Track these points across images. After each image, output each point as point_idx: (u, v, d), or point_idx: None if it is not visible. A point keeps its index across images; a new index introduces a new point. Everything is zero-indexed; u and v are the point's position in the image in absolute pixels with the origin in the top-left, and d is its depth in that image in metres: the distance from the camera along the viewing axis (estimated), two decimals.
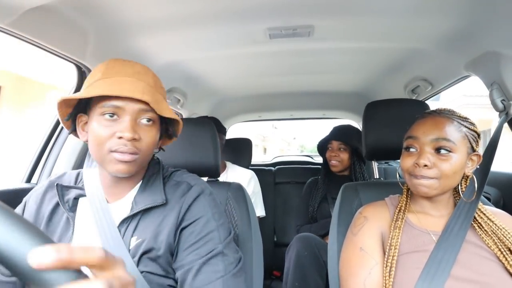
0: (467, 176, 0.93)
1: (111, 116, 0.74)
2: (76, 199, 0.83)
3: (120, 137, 0.72)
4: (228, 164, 2.17)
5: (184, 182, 0.87)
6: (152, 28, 1.23)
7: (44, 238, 0.35)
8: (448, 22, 1.18)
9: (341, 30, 1.30)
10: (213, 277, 0.74)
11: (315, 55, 1.62)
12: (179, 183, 0.86)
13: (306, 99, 2.51)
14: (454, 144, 0.85)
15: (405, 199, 0.97)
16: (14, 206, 0.85)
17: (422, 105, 1.30)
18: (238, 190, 1.21)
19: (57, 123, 1.40)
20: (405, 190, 1.00)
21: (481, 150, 0.94)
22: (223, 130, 2.13)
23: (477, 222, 0.89)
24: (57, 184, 0.82)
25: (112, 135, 0.73)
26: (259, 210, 2.11)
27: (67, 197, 0.82)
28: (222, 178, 2.08)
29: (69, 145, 1.41)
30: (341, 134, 2.00)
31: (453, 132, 0.87)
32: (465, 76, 1.48)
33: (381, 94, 2.16)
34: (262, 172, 2.47)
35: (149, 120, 0.77)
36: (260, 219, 2.10)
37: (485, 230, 0.87)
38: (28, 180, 1.39)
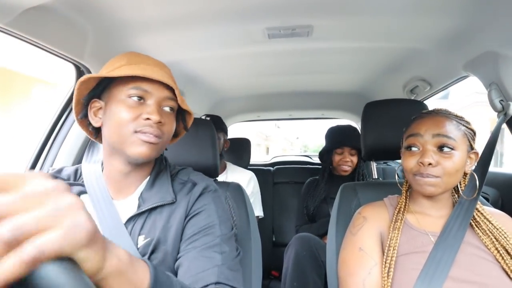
0: (466, 174, 0.93)
1: (139, 99, 0.76)
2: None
3: (147, 119, 0.74)
4: (228, 164, 2.17)
5: (190, 181, 0.87)
6: (150, 28, 1.23)
7: None
8: (446, 22, 1.18)
9: (340, 30, 1.30)
10: (209, 264, 0.72)
11: (314, 55, 1.62)
12: (185, 182, 0.86)
13: (305, 99, 2.51)
14: (456, 141, 0.86)
15: (404, 200, 0.98)
16: None
17: (421, 105, 1.31)
18: (237, 190, 1.21)
19: (58, 118, 1.39)
20: (404, 191, 1.00)
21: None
22: (224, 129, 2.12)
23: (475, 222, 0.90)
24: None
25: (137, 117, 0.75)
26: (258, 211, 2.11)
27: None
28: (222, 178, 2.08)
29: (70, 140, 1.40)
30: (353, 139, 1.95)
31: (454, 130, 0.87)
32: (464, 76, 1.48)
33: (379, 94, 2.16)
34: (260, 172, 2.47)
35: (171, 109, 0.81)
36: (259, 220, 2.11)
37: (483, 229, 0.87)
38: None
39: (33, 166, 1.37)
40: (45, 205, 0.31)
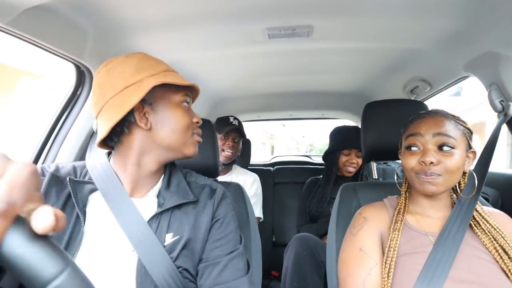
0: (465, 174, 0.94)
1: (187, 104, 0.85)
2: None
3: (197, 122, 0.87)
4: (234, 166, 2.21)
5: (206, 184, 0.92)
6: (151, 28, 1.23)
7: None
8: (447, 23, 1.18)
9: (340, 30, 1.30)
10: (237, 274, 0.81)
11: (314, 55, 1.62)
12: (202, 186, 0.91)
13: (305, 99, 2.51)
14: (456, 140, 0.87)
15: (403, 201, 0.98)
16: None
17: (421, 106, 1.31)
18: (237, 190, 1.22)
19: (61, 114, 1.39)
20: (404, 192, 1.00)
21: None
22: (245, 135, 2.18)
23: (475, 222, 0.90)
24: (70, 179, 0.78)
25: (191, 121, 0.85)
26: (257, 212, 2.13)
27: (80, 194, 0.78)
28: (227, 178, 2.11)
29: (71, 138, 1.40)
30: (360, 140, 1.94)
31: (453, 129, 0.88)
32: (464, 77, 1.48)
33: (380, 94, 2.16)
34: (261, 172, 2.46)
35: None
36: (259, 222, 2.12)
37: (482, 230, 0.88)
38: None
39: (35, 163, 1.36)
40: None
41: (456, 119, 0.92)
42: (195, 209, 0.84)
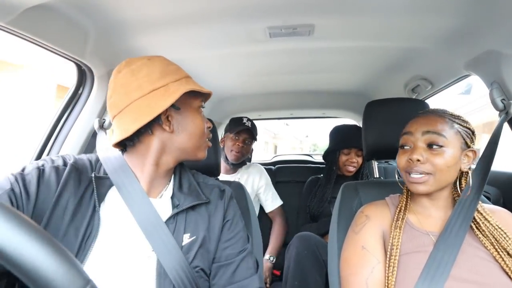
0: (466, 173, 0.93)
1: (202, 109, 0.89)
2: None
3: (209, 127, 0.91)
4: (243, 167, 2.22)
5: (215, 185, 0.95)
6: (151, 27, 1.23)
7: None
8: (448, 21, 1.18)
9: (342, 29, 1.30)
10: (248, 273, 0.85)
11: (315, 54, 1.62)
12: (211, 186, 0.94)
13: (306, 98, 2.50)
14: (446, 138, 0.88)
15: (405, 199, 0.98)
16: None
17: (422, 104, 1.30)
18: (238, 188, 1.22)
19: (62, 113, 1.39)
20: (405, 190, 1.00)
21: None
22: (256, 137, 2.18)
23: (475, 222, 0.89)
24: (94, 176, 0.78)
25: (206, 125, 0.89)
26: (278, 201, 2.23)
27: (100, 190, 0.78)
28: (235, 178, 2.13)
29: (74, 135, 1.40)
30: (360, 139, 1.90)
31: (445, 128, 0.89)
32: (466, 75, 1.48)
33: (381, 93, 2.16)
34: None
35: None
36: (277, 210, 2.20)
37: (483, 230, 0.87)
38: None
39: (38, 157, 1.36)
40: None
41: (453, 118, 0.92)
42: (207, 210, 0.87)
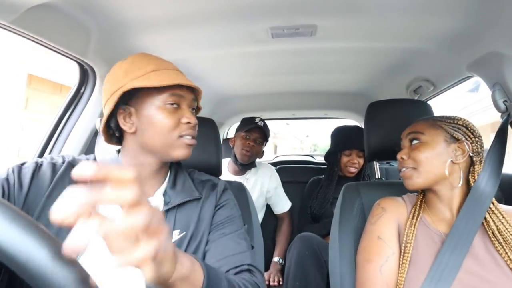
0: (474, 176, 0.93)
1: (176, 105, 0.81)
2: None
3: (188, 122, 0.81)
4: (253, 168, 2.13)
5: (209, 180, 0.94)
6: (154, 27, 1.23)
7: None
8: (450, 22, 1.17)
9: (344, 30, 1.30)
10: (242, 248, 0.82)
11: (317, 55, 1.62)
12: (204, 181, 0.93)
13: (308, 98, 2.50)
14: (424, 134, 0.94)
15: (420, 198, 1.00)
16: None
17: (424, 106, 1.30)
18: (239, 189, 1.22)
19: (64, 112, 1.39)
20: (420, 190, 1.01)
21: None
22: (268, 139, 2.10)
23: (486, 223, 0.89)
24: None
25: (178, 122, 0.80)
26: (288, 202, 2.18)
27: None
28: (243, 179, 2.05)
29: (76, 134, 1.40)
30: (361, 140, 1.87)
31: (424, 126, 0.96)
32: (468, 77, 1.47)
33: (383, 94, 2.15)
34: None
35: (193, 109, 0.87)
36: (288, 212, 2.17)
37: (495, 232, 0.86)
38: None
39: (40, 156, 1.37)
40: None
41: (437, 118, 0.97)
42: (199, 205, 0.86)
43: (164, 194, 0.85)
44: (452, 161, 0.91)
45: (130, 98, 0.80)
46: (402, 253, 0.89)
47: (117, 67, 0.83)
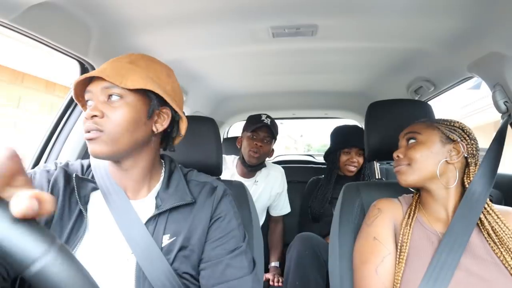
0: (469, 177, 0.93)
1: (89, 102, 0.76)
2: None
3: (86, 118, 0.73)
4: (262, 170, 2.03)
5: (207, 183, 0.89)
6: (155, 26, 1.23)
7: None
8: (451, 23, 1.17)
9: (345, 30, 1.30)
10: (240, 273, 0.79)
11: (318, 55, 1.62)
12: (202, 184, 0.89)
13: (309, 98, 2.50)
14: (420, 134, 0.97)
15: (416, 198, 1.00)
16: None
17: (424, 106, 1.30)
18: (240, 188, 1.22)
19: (63, 113, 1.39)
20: (416, 190, 1.03)
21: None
22: (276, 137, 1.97)
23: (481, 223, 0.89)
24: (76, 175, 0.78)
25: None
26: (288, 207, 2.14)
27: (83, 191, 0.78)
28: (252, 183, 1.98)
29: (74, 137, 1.40)
30: (360, 139, 1.82)
31: (421, 127, 0.98)
32: (469, 77, 1.47)
33: (383, 94, 2.15)
34: None
35: (117, 96, 0.74)
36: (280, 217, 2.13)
37: (487, 229, 0.87)
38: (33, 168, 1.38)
39: (37, 162, 1.37)
40: None
41: (434, 120, 0.99)
42: (193, 209, 0.82)
43: (156, 197, 0.83)
44: (446, 161, 0.93)
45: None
46: (398, 253, 0.90)
47: None
